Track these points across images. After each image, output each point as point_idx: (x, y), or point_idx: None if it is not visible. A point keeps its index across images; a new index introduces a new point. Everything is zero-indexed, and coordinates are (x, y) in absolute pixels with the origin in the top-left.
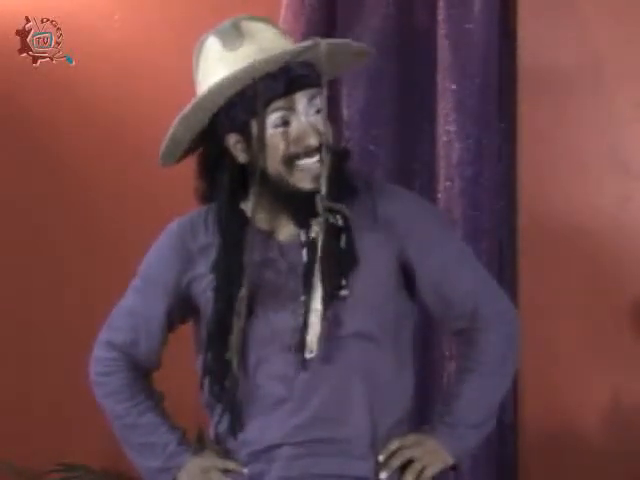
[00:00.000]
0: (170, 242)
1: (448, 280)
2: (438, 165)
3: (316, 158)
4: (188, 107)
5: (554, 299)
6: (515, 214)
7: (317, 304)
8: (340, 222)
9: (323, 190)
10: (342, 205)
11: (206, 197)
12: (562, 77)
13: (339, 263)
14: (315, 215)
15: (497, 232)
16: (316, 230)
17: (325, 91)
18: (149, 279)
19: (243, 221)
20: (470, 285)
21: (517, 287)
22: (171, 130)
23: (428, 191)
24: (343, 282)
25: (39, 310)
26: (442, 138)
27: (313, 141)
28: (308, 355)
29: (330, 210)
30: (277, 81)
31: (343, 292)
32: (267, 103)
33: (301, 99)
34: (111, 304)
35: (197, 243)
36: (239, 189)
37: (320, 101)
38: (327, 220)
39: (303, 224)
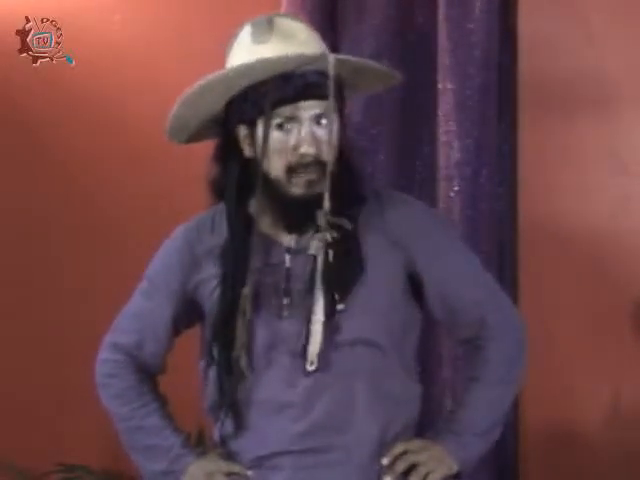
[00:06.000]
0: (176, 246)
1: (455, 290)
2: (438, 165)
3: (313, 171)
4: (205, 79)
5: (554, 299)
6: (515, 214)
7: (320, 316)
8: (337, 235)
9: (326, 206)
10: (343, 219)
11: (216, 187)
12: (562, 77)
13: (343, 275)
14: (307, 222)
15: (497, 232)
16: (316, 246)
17: (333, 103)
18: (155, 282)
19: (249, 222)
20: (477, 295)
21: (517, 287)
22: (184, 95)
23: (428, 191)
24: (336, 296)
25: (39, 310)
26: (442, 138)
27: (308, 150)
28: (309, 367)
29: (332, 225)
30: (288, 84)
31: (339, 306)
32: (274, 105)
33: (308, 108)
34: (112, 304)
35: (203, 246)
36: (247, 185)
37: (328, 114)
38: (328, 236)
39: (294, 231)
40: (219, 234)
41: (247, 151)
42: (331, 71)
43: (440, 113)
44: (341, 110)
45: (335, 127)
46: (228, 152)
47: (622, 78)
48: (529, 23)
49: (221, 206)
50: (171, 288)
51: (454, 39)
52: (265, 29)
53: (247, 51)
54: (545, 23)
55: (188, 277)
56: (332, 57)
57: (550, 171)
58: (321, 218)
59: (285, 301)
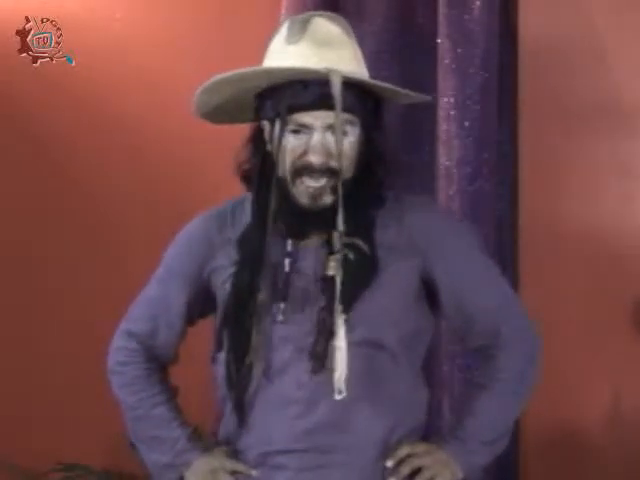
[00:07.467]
0: (195, 234)
1: (470, 297)
2: (438, 164)
3: (320, 182)
4: (219, 76)
5: (554, 299)
6: (515, 214)
7: (342, 343)
8: (352, 256)
9: (340, 227)
10: (356, 239)
11: (240, 169)
12: (563, 77)
13: (350, 288)
14: (309, 232)
15: (497, 232)
16: (333, 266)
17: (341, 117)
18: (171, 270)
19: (267, 214)
20: (492, 302)
21: (517, 287)
22: (220, 76)
23: (428, 191)
24: (339, 307)
25: (40, 310)
26: (442, 137)
27: (314, 159)
28: (338, 397)
29: (346, 245)
30: (305, 92)
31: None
32: (289, 111)
33: (322, 118)
34: (113, 305)
35: (221, 236)
36: (269, 176)
37: (337, 124)
38: (345, 256)
39: (294, 237)
40: (237, 227)
41: (267, 146)
42: (337, 91)
43: (440, 113)
44: (367, 120)
45: (349, 139)
46: (257, 140)
47: (623, 77)
48: (529, 23)
49: (241, 199)
50: (186, 274)
51: (454, 39)
52: (299, 29)
53: (278, 49)
54: (545, 23)
55: (203, 264)
56: (338, 77)
57: (550, 171)
58: (336, 240)
59: (282, 305)
